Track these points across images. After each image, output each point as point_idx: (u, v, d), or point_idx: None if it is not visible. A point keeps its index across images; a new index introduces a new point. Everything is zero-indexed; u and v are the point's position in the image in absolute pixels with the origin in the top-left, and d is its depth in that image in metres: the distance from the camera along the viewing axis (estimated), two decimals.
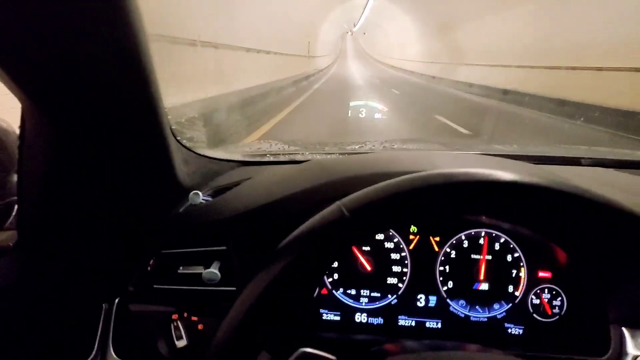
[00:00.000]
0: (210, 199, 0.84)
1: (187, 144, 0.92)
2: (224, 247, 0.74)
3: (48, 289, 0.65)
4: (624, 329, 0.70)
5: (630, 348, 0.68)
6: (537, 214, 0.46)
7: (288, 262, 0.42)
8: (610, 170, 1.06)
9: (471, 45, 15.99)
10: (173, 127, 0.76)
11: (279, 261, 0.42)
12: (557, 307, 0.77)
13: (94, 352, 0.71)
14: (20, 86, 0.51)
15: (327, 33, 30.93)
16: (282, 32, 14.19)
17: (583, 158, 1.12)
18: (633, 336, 0.69)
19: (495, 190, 0.43)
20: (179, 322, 0.72)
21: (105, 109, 0.57)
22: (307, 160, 0.95)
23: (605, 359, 0.69)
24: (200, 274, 0.72)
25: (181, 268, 0.74)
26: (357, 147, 1.36)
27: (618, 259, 0.64)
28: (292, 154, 1.11)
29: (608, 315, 0.71)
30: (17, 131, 0.75)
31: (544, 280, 0.77)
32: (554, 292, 0.77)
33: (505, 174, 0.43)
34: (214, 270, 0.71)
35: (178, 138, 0.82)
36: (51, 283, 0.65)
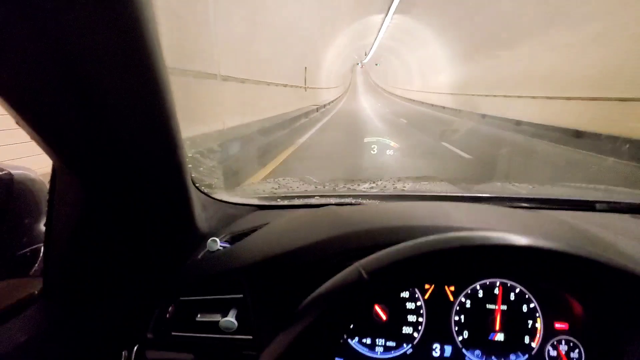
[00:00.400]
0: (227, 245, 0.85)
1: (205, 190, 0.94)
2: (241, 295, 0.75)
3: (74, 336, 0.66)
4: None
5: None
6: (553, 274, 0.46)
7: (308, 324, 0.43)
8: (626, 216, 1.06)
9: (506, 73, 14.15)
10: (193, 175, 0.79)
11: (299, 323, 0.43)
12: (574, 359, 0.76)
13: None
14: (51, 147, 0.54)
15: (334, 64, 29.58)
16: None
17: (597, 202, 1.12)
18: None
19: (511, 255, 0.44)
20: None
21: (131, 163, 0.60)
22: (323, 205, 0.97)
23: None
24: (218, 322, 0.73)
25: (199, 316, 0.75)
26: (368, 186, 1.37)
27: (632, 315, 0.65)
28: (307, 196, 1.14)
29: None
30: (42, 178, 0.79)
31: (561, 331, 0.77)
32: (571, 344, 0.77)
33: (521, 239, 0.44)
34: (231, 319, 0.73)
35: (197, 185, 0.85)
36: (76, 331, 0.67)
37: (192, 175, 0.78)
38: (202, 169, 1.11)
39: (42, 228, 0.74)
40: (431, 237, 0.45)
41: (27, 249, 0.76)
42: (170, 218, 0.74)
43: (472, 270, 0.47)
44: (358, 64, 64.64)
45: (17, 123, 0.50)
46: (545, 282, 0.49)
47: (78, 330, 0.67)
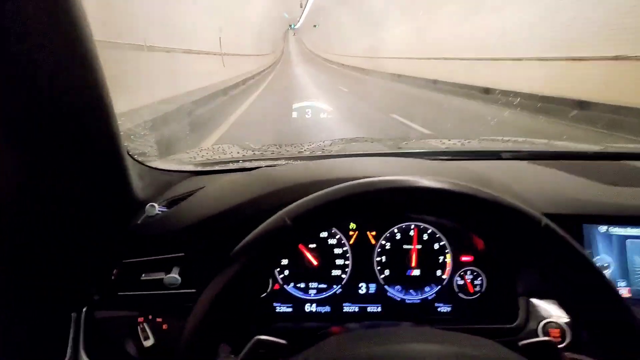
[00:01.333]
0: (165, 209, 0.89)
1: (139, 158, 0.96)
2: (182, 254, 0.81)
3: (23, 302, 0.69)
4: (531, 300, 0.83)
5: (533, 314, 0.81)
6: (454, 212, 0.54)
7: (240, 266, 0.49)
8: (524, 162, 1.21)
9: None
10: (127, 145, 0.82)
11: (232, 266, 0.49)
12: (478, 286, 0.90)
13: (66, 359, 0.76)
14: None
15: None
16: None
17: (503, 152, 1.26)
18: (536, 305, 0.82)
19: (407, 195, 0.53)
20: (145, 324, 0.78)
21: (65, 134, 0.62)
22: (256, 168, 1.03)
23: (515, 326, 0.82)
24: (162, 279, 0.79)
25: (143, 275, 0.80)
26: (300, 148, 1.44)
27: (522, 247, 0.77)
28: (241, 160, 1.18)
29: (517, 289, 0.84)
30: None
31: (467, 263, 0.90)
32: (475, 274, 0.90)
33: (422, 181, 0.52)
34: (174, 275, 0.78)
35: (131, 153, 0.88)
36: (21, 294, 0.69)
37: (127, 144, 0.81)
38: (134, 139, 1.12)
39: None
40: (344, 184, 0.53)
41: None
42: (107, 186, 0.76)
43: (382, 210, 0.54)
44: (291, 26, 61.14)
45: None
46: (448, 220, 0.57)
47: (27, 295, 0.70)
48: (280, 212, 0.52)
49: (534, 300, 0.83)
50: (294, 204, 0.52)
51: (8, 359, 0.66)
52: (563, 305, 0.54)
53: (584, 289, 0.48)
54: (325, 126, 5.42)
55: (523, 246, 0.52)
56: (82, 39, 0.55)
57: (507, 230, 0.52)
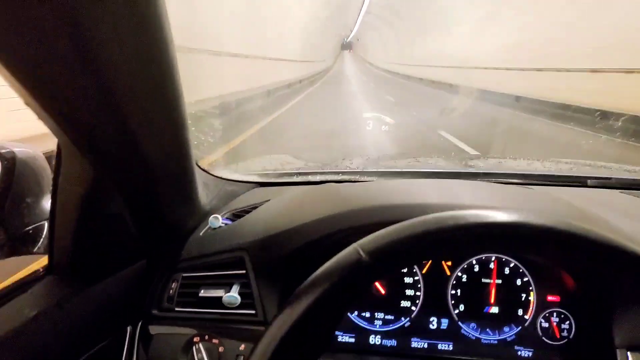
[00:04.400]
0: (229, 222, 0.86)
1: (205, 167, 0.95)
2: (244, 271, 0.77)
3: (81, 312, 0.67)
4: (629, 353, 0.72)
5: None
6: (545, 249, 0.48)
7: (309, 303, 0.44)
8: (616, 192, 1.09)
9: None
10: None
11: (301, 302, 0.44)
12: (565, 331, 0.79)
13: None
14: (59, 126, 0.54)
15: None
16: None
17: (589, 178, 1.14)
18: None
19: (504, 232, 0.46)
20: (200, 345, 0.75)
21: (137, 141, 0.60)
22: (322, 182, 0.98)
23: None
24: (221, 297, 0.75)
25: (202, 291, 0.77)
26: (363, 161, 1.39)
27: (621, 289, 0.67)
28: (306, 173, 1.15)
29: (614, 339, 0.73)
30: (42, 155, 0.79)
31: (553, 304, 0.80)
32: (562, 316, 0.80)
33: (513, 216, 0.45)
34: (234, 295, 0.74)
35: (198, 163, 0.85)
36: (83, 306, 0.68)
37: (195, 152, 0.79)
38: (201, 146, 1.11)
39: (45, 206, 0.75)
40: (426, 217, 0.46)
41: (30, 227, 0.76)
42: (173, 195, 0.74)
43: (467, 247, 0.48)
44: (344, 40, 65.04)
45: (26, 103, 0.50)
46: (538, 258, 0.50)
47: (84, 306, 0.68)
48: (354, 244, 0.46)
49: (636, 355, 0.72)
50: (371, 235, 0.46)
51: None
52: None
53: None
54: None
55: (629, 289, 0.45)
56: (164, 44, 0.52)
57: (610, 271, 0.46)
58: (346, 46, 72.53)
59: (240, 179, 1.04)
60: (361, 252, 0.45)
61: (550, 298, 0.80)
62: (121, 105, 0.53)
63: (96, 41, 0.45)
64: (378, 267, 0.46)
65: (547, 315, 0.80)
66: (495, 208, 0.48)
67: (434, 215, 0.46)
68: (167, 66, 0.55)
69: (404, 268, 0.80)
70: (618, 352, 0.73)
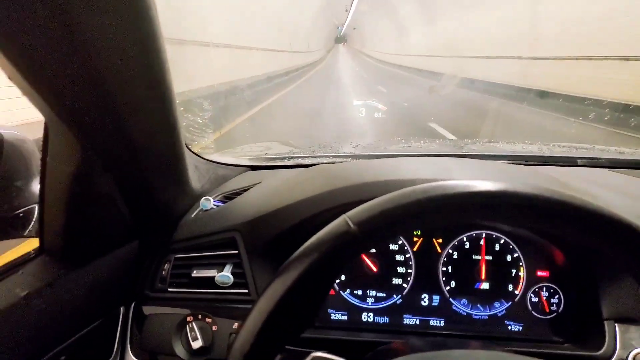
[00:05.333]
0: (220, 204, 0.86)
1: (196, 150, 0.94)
2: (236, 251, 0.77)
3: (73, 292, 0.67)
4: (616, 325, 0.73)
5: (622, 342, 0.71)
6: (534, 220, 0.48)
7: (299, 274, 0.44)
8: (605, 170, 1.10)
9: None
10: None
11: (290, 273, 0.44)
12: (554, 305, 0.80)
13: (113, 354, 0.74)
14: (47, 103, 0.53)
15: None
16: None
17: (579, 158, 1.15)
18: (625, 331, 0.72)
19: (493, 200, 0.46)
20: (193, 324, 0.75)
21: (127, 121, 0.60)
22: (313, 165, 0.98)
23: (601, 354, 0.72)
24: (214, 277, 0.75)
25: (195, 272, 0.77)
26: (355, 145, 1.39)
27: (609, 260, 0.68)
28: (297, 157, 1.14)
29: (602, 312, 0.74)
30: (30, 138, 0.78)
31: (542, 279, 0.81)
32: (551, 291, 0.81)
33: (501, 185, 0.45)
34: (226, 274, 0.75)
35: (188, 146, 0.85)
36: (75, 287, 0.68)
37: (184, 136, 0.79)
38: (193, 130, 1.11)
39: (35, 189, 0.74)
40: (414, 187, 0.46)
41: (21, 210, 0.75)
42: (162, 176, 0.74)
43: (455, 216, 0.47)
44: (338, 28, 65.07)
45: (9, 77, 0.49)
46: (527, 227, 0.49)
47: (76, 286, 0.68)
48: (343, 215, 0.46)
49: (624, 326, 0.73)
50: (358, 207, 0.46)
51: (56, 351, 0.64)
52: None
53: None
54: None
55: (622, 261, 0.45)
56: (154, 38, 0.53)
57: (604, 243, 0.45)
58: (340, 39, 72.19)
59: (231, 163, 1.04)
60: (350, 223, 0.44)
61: (539, 273, 0.81)
62: (107, 83, 0.53)
63: (84, 20, 0.45)
64: (367, 238, 0.45)
65: (536, 290, 0.81)
66: (484, 179, 0.48)
67: (422, 186, 0.46)
68: (153, 46, 0.54)
69: (393, 238, 0.79)
70: (606, 323, 0.74)
